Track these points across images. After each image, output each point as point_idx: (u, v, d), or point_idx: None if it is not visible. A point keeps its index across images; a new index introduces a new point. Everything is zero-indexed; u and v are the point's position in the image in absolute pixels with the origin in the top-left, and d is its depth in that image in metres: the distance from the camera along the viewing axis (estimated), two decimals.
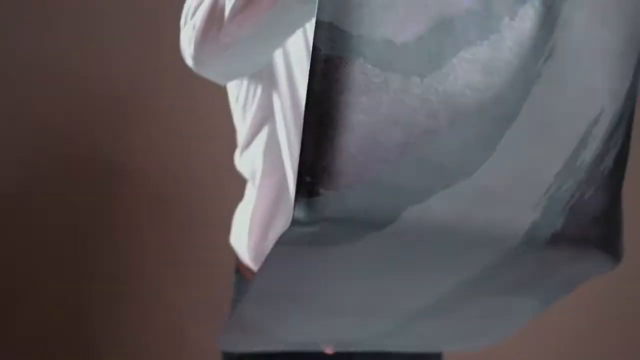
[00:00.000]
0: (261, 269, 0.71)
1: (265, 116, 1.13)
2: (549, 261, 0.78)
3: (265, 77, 1.12)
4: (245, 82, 1.15)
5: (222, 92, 2.21)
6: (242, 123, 1.17)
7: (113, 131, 2.23)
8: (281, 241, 0.67)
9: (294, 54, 1.11)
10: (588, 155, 0.75)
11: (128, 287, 2.27)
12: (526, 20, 0.71)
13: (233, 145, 2.24)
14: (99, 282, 2.27)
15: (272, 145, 1.13)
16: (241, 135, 1.18)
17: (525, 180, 0.73)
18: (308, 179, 0.64)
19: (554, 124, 0.73)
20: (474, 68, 0.69)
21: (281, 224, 1.14)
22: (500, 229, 0.72)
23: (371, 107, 0.66)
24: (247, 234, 1.19)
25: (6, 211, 2.23)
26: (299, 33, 1.11)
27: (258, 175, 1.16)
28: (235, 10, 0.92)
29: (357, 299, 0.78)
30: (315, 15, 0.66)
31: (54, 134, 2.22)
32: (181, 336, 2.30)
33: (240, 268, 1.23)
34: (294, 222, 0.64)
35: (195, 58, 0.99)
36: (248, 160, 1.17)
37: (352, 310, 0.81)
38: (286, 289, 0.75)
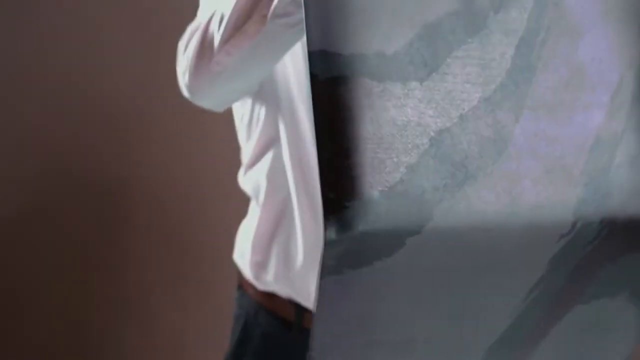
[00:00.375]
0: (316, 316, 0.71)
1: (271, 139, 1.14)
2: (615, 243, 0.76)
3: (269, 98, 1.13)
4: (249, 101, 1.16)
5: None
6: (246, 143, 1.18)
7: (115, 146, 2.23)
8: (323, 270, 0.67)
9: (294, 74, 1.12)
10: (619, 125, 0.75)
11: (130, 299, 2.28)
12: (511, 10, 0.73)
13: (238, 161, 2.24)
14: (101, 293, 2.28)
15: (277, 167, 1.14)
16: (246, 155, 1.19)
17: (558, 160, 0.73)
18: (332, 195, 0.66)
19: (572, 102, 0.74)
20: (470, 64, 0.71)
21: (283, 242, 1.15)
22: (547, 211, 0.71)
23: (377, 115, 0.68)
24: (249, 251, 1.20)
25: (8, 222, 2.23)
26: (298, 53, 1.11)
27: (262, 194, 1.17)
28: (224, 40, 0.95)
29: (423, 330, 0.76)
30: (306, 46, 0.70)
31: (54, 148, 2.22)
32: (182, 346, 2.30)
33: (242, 284, 1.25)
34: (328, 243, 0.66)
35: (190, 87, 1.01)
36: (252, 180, 1.18)
37: (424, 347, 0.77)
38: (347, 333, 0.73)
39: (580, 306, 0.79)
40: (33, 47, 2.18)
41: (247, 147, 1.18)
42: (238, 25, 0.94)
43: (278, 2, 0.89)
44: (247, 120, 1.17)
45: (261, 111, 1.15)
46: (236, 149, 2.23)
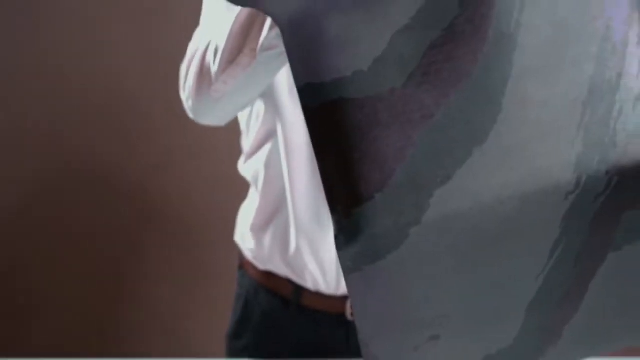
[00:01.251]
0: (353, 308, 0.74)
1: (268, 133, 1.19)
2: (631, 189, 0.74)
3: (267, 96, 1.18)
4: None
5: None
6: (246, 134, 1.22)
7: (115, 145, 2.24)
8: (344, 270, 0.72)
9: (286, 76, 1.15)
10: (613, 71, 0.74)
11: (131, 297, 2.28)
12: None
13: (238, 154, 2.25)
14: (102, 292, 2.27)
15: (275, 157, 1.19)
16: (246, 145, 1.24)
17: (550, 122, 0.72)
18: (338, 207, 0.71)
19: (559, 60, 0.73)
20: (448, 55, 0.72)
21: (280, 228, 1.20)
22: (545, 174, 0.72)
23: (365, 126, 0.72)
24: (249, 234, 1.24)
25: (8, 222, 2.24)
26: None
27: (260, 181, 1.21)
28: (220, 71, 1.01)
29: (453, 306, 0.77)
30: (294, 83, 0.74)
31: (54, 148, 2.22)
32: (186, 332, 2.30)
33: (243, 264, 1.27)
34: (340, 249, 0.71)
35: (194, 111, 1.08)
36: (252, 168, 1.22)
37: (459, 320, 0.78)
38: (385, 317, 0.76)
39: (612, 254, 0.78)
40: (33, 47, 2.19)
41: (248, 138, 1.23)
42: (231, 59, 1.00)
43: (264, 38, 0.94)
44: (247, 114, 1.22)
45: (260, 107, 1.19)
46: (238, 143, 2.24)
